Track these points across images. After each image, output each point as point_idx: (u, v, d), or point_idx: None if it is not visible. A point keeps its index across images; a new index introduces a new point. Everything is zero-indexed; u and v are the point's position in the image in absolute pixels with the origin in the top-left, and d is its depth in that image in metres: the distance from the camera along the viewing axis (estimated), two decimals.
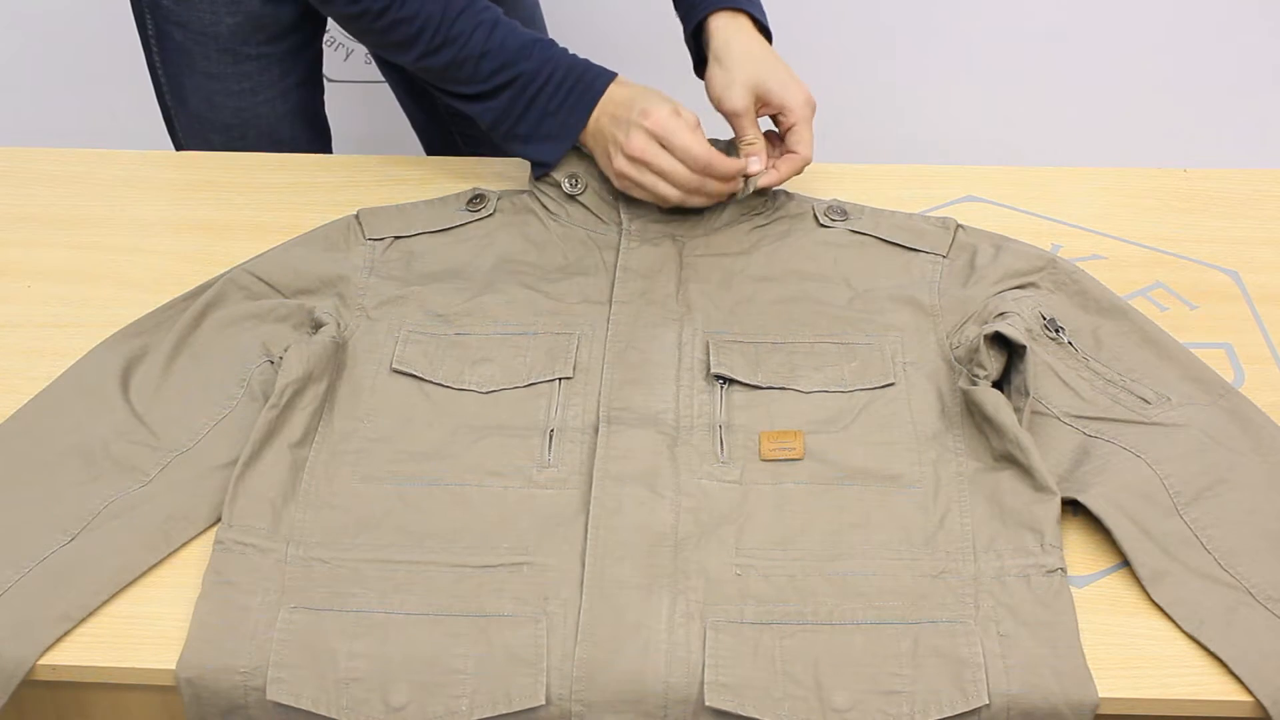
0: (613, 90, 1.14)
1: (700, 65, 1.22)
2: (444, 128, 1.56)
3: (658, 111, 1.10)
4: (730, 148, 1.18)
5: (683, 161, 1.10)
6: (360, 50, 2.04)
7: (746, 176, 1.15)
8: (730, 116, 1.17)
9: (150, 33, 1.37)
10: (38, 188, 1.30)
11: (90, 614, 0.89)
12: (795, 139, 1.17)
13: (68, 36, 2.08)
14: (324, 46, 1.45)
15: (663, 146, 1.10)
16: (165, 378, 1.04)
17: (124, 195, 1.29)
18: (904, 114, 2.17)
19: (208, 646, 0.86)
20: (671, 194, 1.11)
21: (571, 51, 1.17)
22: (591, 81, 1.14)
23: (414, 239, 1.16)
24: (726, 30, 1.17)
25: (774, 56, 1.18)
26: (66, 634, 0.88)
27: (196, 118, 1.39)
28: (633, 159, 1.11)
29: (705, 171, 1.10)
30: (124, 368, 1.04)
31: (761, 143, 1.17)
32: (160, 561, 0.93)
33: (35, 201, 1.28)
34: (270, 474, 0.95)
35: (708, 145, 1.11)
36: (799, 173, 1.17)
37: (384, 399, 1.02)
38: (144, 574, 0.92)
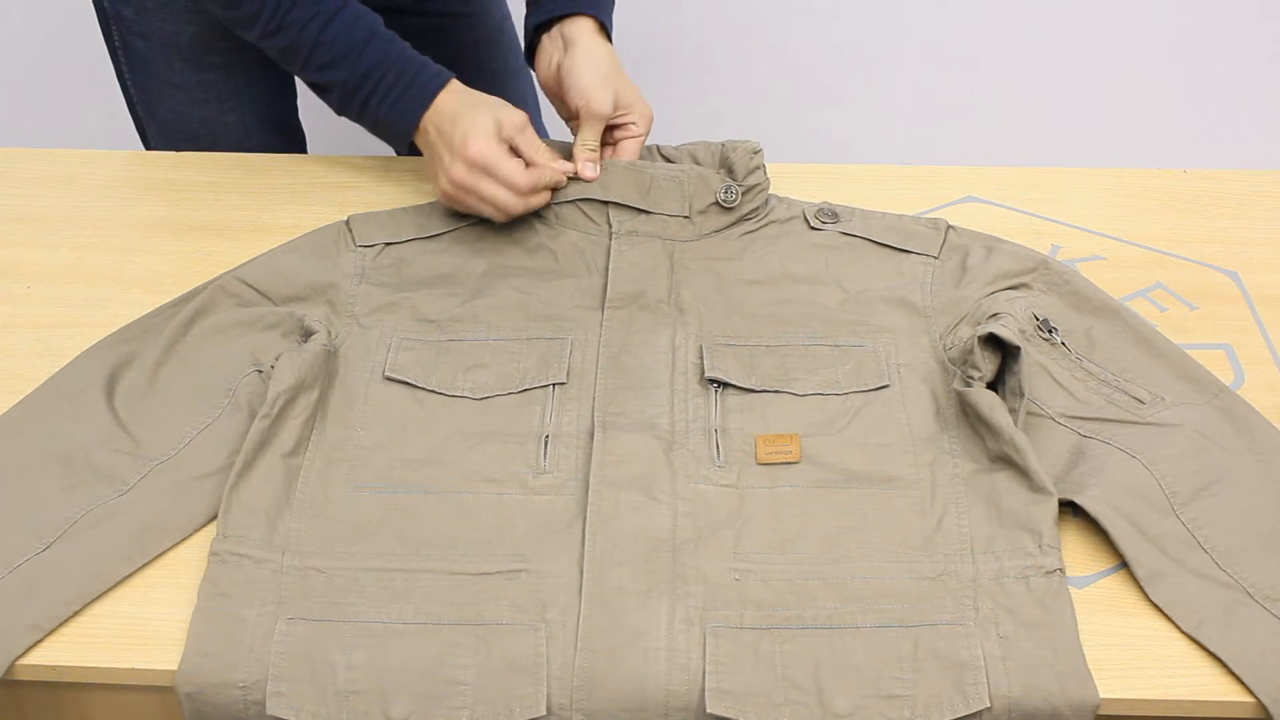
0: (442, 99, 1.14)
1: (532, 52, 1.24)
2: None
3: (477, 141, 1.10)
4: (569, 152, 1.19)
5: (507, 187, 1.11)
6: None
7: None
8: (590, 116, 1.17)
9: (116, 44, 1.36)
10: (38, 188, 1.30)
11: (60, 624, 0.89)
12: (628, 148, 1.19)
13: (67, 37, 2.09)
14: None
15: (485, 173, 1.11)
16: (151, 385, 1.03)
17: (124, 195, 1.29)
18: (904, 114, 2.17)
19: (206, 660, 0.86)
20: (496, 215, 1.14)
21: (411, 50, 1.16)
22: (422, 88, 1.14)
23: (404, 245, 1.16)
24: (590, 34, 1.19)
25: (623, 69, 1.20)
26: (60, 637, 0.88)
27: (166, 128, 1.39)
28: (456, 184, 1.12)
29: (530, 192, 1.12)
30: (109, 375, 1.03)
31: (599, 150, 1.18)
32: (155, 562, 0.93)
33: (35, 202, 1.28)
34: (263, 484, 0.94)
35: (525, 172, 1.11)
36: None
37: (377, 407, 1.02)
38: (144, 574, 0.92)
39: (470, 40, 1.46)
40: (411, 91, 1.14)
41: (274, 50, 1.18)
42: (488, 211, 1.13)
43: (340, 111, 1.19)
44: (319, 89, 1.18)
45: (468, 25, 1.46)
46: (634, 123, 1.19)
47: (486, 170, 1.11)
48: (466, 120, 1.12)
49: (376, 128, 1.18)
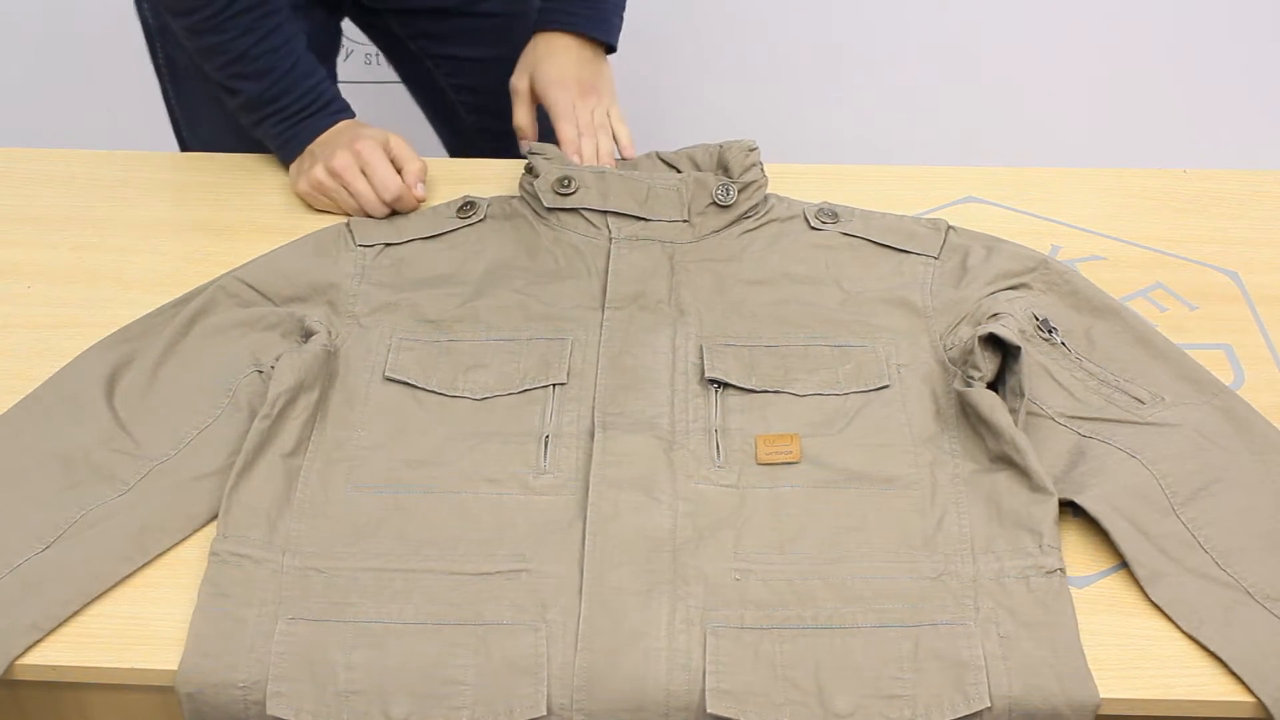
0: (336, 127, 1.23)
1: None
2: (467, 142, 1.57)
3: (365, 141, 1.20)
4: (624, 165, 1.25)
5: (376, 190, 1.19)
6: (356, 50, 2.03)
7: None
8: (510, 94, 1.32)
9: (160, 59, 1.38)
10: (38, 188, 1.30)
11: (60, 624, 0.89)
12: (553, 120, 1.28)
13: (67, 37, 2.09)
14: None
15: (361, 171, 1.19)
16: (151, 385, 1.03)
17: (124, 195, 1.29)
18: (904, 114, 2.17)
19: (206, 660, 0.86)
20: (353, 210, 1.21)
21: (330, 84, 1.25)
22: (317, 124, 1.23)
23: (404, 245, 1.16)
24: (544, 40, 1.31)
25: (568, 60, 1.29)
26: (60, 637, 0.88)
27: (207, 143, 1.39)
28: (332, 172, 1.20)
29: (393, 204, 1.20)
30: (109, 375, 1.03)
31: (531, 129, 1.31)
32: (155, 562, 0.93)
33: (35, 202, 1.28)
34: (264, 485, 0.94)
35: (399, 182, 1.19)
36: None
37: (377, 407, 1.02)
38: (144, 574, 0.92)
39: (522, 40, 1.46)
40: (308, 122, 1.22)
41: (196, 45, 1.21)
42: (349, 205, 1.21)
43: (235, 113, 1.24)
44: (222, 88, 1.23)
45: (519, 25, 1.46)
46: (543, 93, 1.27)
47: (365, 167, 1.19)
48: (354, 130, 1.23)
49: (265, 139, 1.25)
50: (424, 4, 1.41)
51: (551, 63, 1.29)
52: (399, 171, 1.21)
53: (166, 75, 1.38)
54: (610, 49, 1.34)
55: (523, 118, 1.31)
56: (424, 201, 1.22)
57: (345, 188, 1.20)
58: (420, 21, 1.41)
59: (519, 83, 1.31)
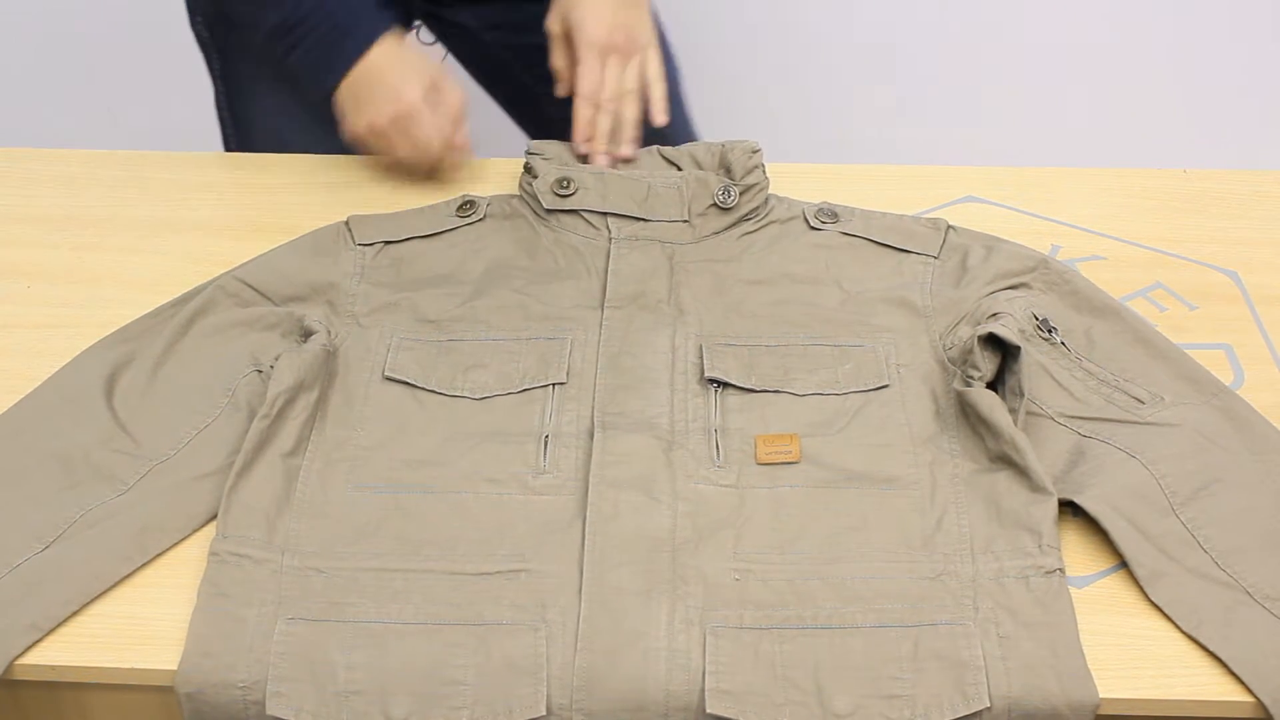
0: (376, 53, 1.20)
1: None
2: (553, 134, 1.56)
3: (410, 96, 1.19)
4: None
5: (419, 149, 1.21)
6: None
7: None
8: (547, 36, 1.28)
9: (218, 73, 1.37)
10: (38, 188, 1.30)
11: (59, 624, 0.89)
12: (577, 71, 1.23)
13: (67, 37, 2.09)
14: None
15: (406, 129, 1.20)
16: (150, 385, 1.03)
17: (124, 195, 1.29)
18: (904, 114, 2.17)
19: (205, 660, 0.86)
20: (397, 161, 1.23)
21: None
22: (356, 44, 1.20)
23: (404, 244, 1.16)
24: None
25: (603, 1, 1.24)
26: (60, 637, 0.88)
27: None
28: (374, 130, 1.21)
29: (436, 160, 1.22)
30: (109, 374, 1.03)
31: (570, 71, 1.26)
32: (155, 562, 0.93)
33: (35, 202, 1.28)
34: (263, 485, 0.94)
35: (440, 134, 1.20)
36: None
37: (377, 407, 1.01)
38: (144, 574, 0.92)
39: None
40: (348, 42, 1.19)
41: None
42: (391, 159, 1.23)
43: (266, 48, 1.22)
44: (248, 26, 1.22)
45: None
46: (574, 37, 1.23)
47: (407, 128, 1.20)
48: (398, 72, 1.19)
49: (302, 74, 1.22)
50: None
51: (586, 5, 1.24)
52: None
53: (222, 90, 1.38)
54: None
55: (560, 60, 1.28)
56: (466, 148, 1.23)
57: (390, 147, 1.21)
58: (495, 11, 1.39)
59: (553, 25, 1.26)
